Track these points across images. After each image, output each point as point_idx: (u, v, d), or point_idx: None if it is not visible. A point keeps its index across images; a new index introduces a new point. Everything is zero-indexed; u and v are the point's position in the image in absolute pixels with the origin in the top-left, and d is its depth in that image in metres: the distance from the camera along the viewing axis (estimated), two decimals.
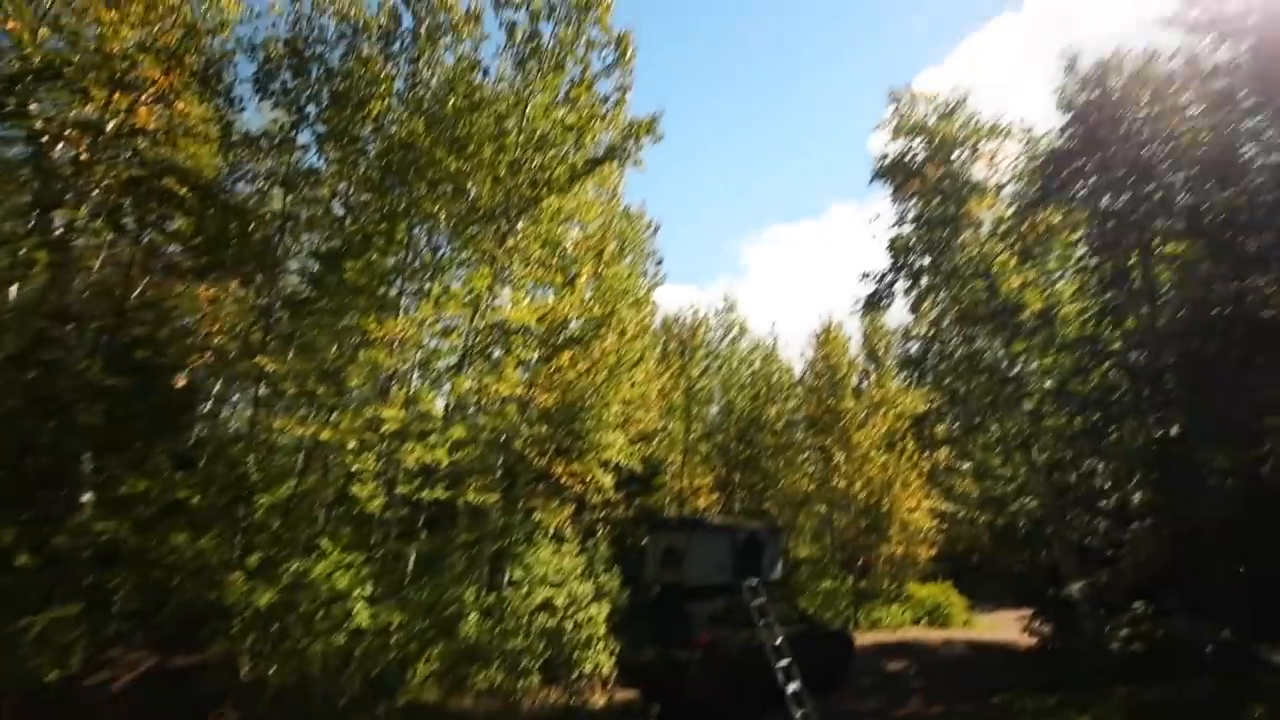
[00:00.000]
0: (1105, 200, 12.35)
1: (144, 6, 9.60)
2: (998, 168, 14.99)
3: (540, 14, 11.03)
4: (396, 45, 11.33)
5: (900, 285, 15.60)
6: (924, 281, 15.39)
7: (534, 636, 9.51)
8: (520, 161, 11.08)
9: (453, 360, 11.12)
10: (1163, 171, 11.78)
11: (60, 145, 9.07)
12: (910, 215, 15.45)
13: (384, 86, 11.13)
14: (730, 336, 24.74)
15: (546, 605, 9.99)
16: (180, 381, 10.83)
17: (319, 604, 7.40)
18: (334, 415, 9.37)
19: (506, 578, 10.49)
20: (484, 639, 9.05)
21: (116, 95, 9.33)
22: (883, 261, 17.33)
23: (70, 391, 7.97)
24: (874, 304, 15.98)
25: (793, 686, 9.34)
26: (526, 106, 11.06)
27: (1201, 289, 11.07)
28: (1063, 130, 12.99)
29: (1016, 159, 14.74)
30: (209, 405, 14.96)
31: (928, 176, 14.86)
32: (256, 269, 11.06)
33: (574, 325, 11.88)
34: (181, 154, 11.21)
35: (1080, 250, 13.78)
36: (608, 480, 12.45)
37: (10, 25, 8.54)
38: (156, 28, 9.97)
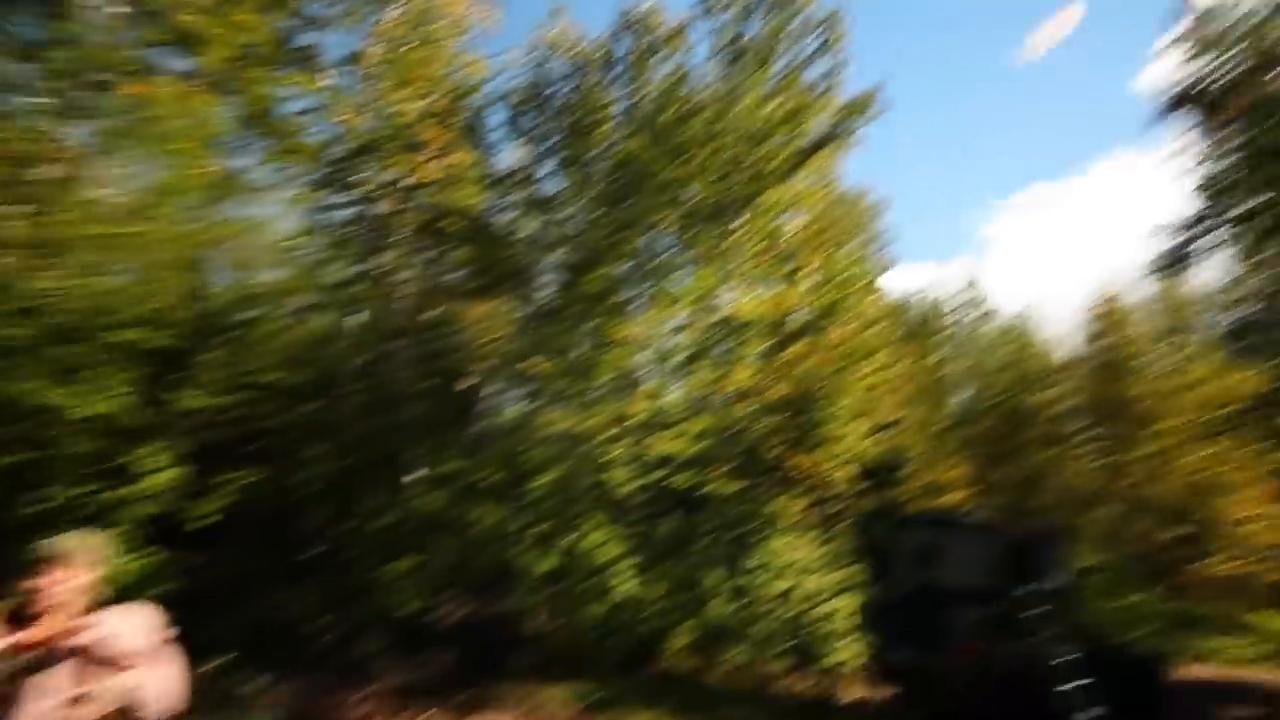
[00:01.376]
0: None
1: (422, 80, 11.80)
2: None
3: (747, 10, 11.15)
4: (618, 68, 12.32)
5: (1215, 237, 12.50)
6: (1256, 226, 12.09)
7: (778, 623, 9.59)
8: (735, 159, 11.28)
9: (683, 357, 11.68)
10: None
11: (377, 204, 11.61)
12: (1232, 146, 12.24)
13: (605, 111, 12.18)
14: (975, 318, 22.13)
15: (787, 594, 9.97)
16: (465, 384, 13.00)
17: (589, 572, 8.42)
18: (585, 410, 10.45)
19: (747, 564, 10.67)
20: (730, 620, 9.39)
21: (408, 157, 11.62)
22: (1185, 210, 14.01)
23: (398, 395, 10.17)
24: (1178, 262, 13.03)
25: (1084, 716, 7.97)
26: (736, 106, 11.22)
27: None
28: None
29: None
30: (489, 403, 17.61)
31: (1257, 90, 11.60)
32: (514, 287, 12.85)
33: (800, 315, 11.70)
34: (454, 196, 13.52)
35: None
36: (845, 473, 11.97)
37: (344, 117, 11.20)
38: (430, 98, 12.18)
